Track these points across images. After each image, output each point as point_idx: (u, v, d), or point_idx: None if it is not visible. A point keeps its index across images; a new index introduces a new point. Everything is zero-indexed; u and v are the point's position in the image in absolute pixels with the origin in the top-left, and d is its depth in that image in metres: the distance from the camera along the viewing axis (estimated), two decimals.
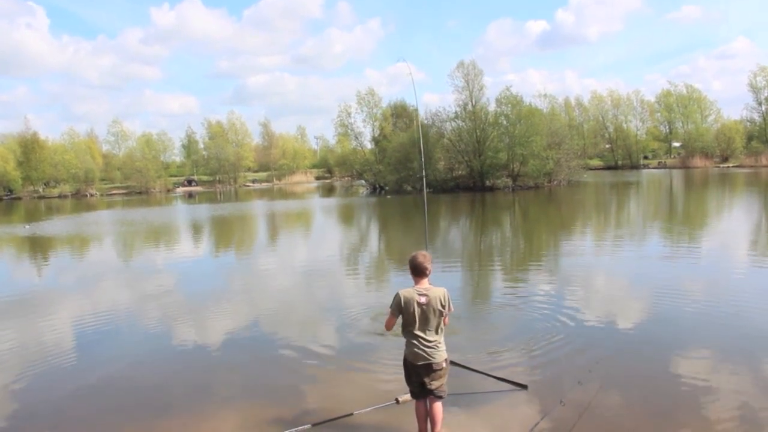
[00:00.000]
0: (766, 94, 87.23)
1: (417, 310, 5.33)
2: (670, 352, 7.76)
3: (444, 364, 5.42)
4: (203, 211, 46.31)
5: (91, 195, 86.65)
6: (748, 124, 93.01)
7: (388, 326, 5.62)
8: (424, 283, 5.47)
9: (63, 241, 27.56)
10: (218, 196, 72.01)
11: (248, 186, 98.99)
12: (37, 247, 25.61)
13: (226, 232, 30.02)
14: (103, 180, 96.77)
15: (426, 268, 5.47)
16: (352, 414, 6.08)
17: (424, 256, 5.51)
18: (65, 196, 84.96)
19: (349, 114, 68.66)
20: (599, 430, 5.72)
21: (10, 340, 10.05)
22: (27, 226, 35.80)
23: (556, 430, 5.67)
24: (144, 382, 7.69)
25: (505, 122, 53.46)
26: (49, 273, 18.76)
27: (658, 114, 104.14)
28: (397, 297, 5.45)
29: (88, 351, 9.31)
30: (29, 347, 9.67)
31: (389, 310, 5.54)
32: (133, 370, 8.21)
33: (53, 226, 35.58)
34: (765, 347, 7.88)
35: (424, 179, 9.92)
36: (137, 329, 10.56)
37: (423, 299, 5.34)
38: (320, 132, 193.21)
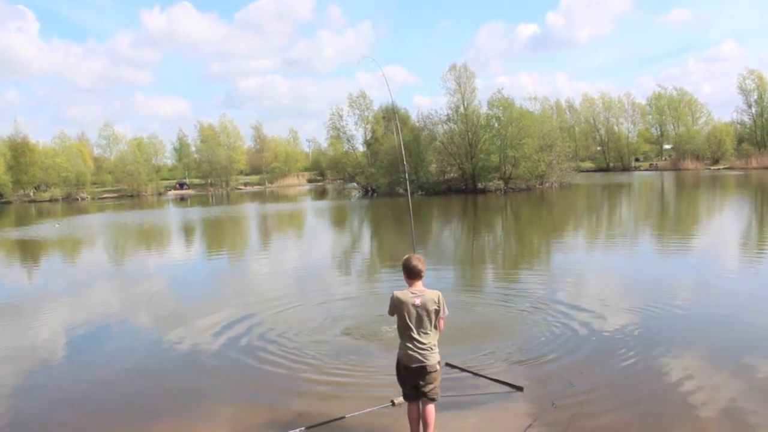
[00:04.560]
0: (755, 97, 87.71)
1: (412, 312, 5.35)
2: (661, 353, 7.79)
3: (437, 367, 5.43)
4: (195, 214, 46.18)
5: (82, 199, 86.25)
6: (739, 126, 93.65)
7: (391, 314, 5.64)
8: (418, 285, 5.49)
9: (54, 244, 27.41)
10: (210, 200, 71.85)
11: (240, 189, 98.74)
12: (33, 250, 25.49)
13: (218, 235, 29.94)
14: (94, 183, 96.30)
15: (420, 271, 5.48)
16: (344, 417, 6.08)
17: (418, 259, 5.52)
18: (56, 200, 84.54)
19: (340, 117, 68.64)
20: None
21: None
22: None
23: None
24: (134, 387, 7.64)
25: (496, 125, 53.65)
26: (39, 276, 18.67)
27: (649, 116, 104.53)
28: (392, 298, 5.48)
29: (79, 355, 9.28)
30: (18, 351, 9.62)
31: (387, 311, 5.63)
32: (123, 374, 8.14)
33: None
34: (755, 349, 7.93)
35: (407, 182, 9.90)
36: (128, 333, 10.53)
37: (417, 301, 5.36)
38: (312, 135, 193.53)
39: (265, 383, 7.47)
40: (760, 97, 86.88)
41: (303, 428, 5.92)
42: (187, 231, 32.36)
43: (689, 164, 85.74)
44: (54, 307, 13.14)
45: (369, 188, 61.42)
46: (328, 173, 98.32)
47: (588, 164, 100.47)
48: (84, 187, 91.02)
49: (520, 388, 6.63)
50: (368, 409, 6.20)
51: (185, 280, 16.47)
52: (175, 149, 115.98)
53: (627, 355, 7.79)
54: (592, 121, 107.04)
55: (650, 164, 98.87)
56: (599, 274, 14.24)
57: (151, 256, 22.21)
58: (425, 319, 5.36)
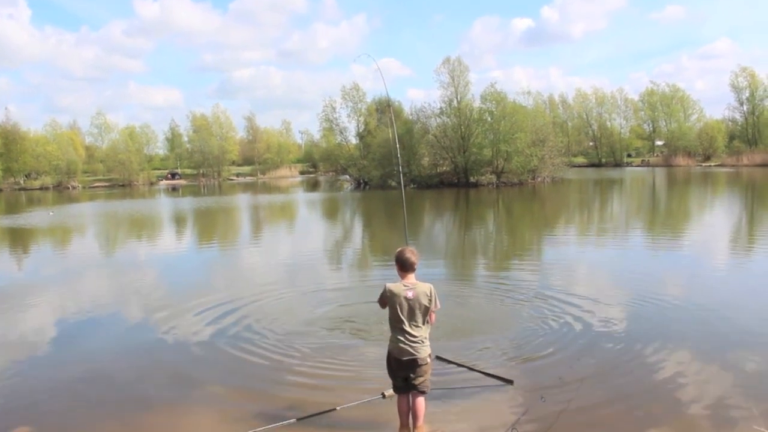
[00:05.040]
0: (747, 95, 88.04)
1: (404, 305, 5.36)
2: (650, 348, 7.83)
3: (428, 360, 5.45)
4: (187, 204, 46.01)
5: (74, 187, 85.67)
6: (730, 123, 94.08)
7: (383, 306, 5.64)
8: (411, 278, 5.50)
9: (44, 233, 27.25)
10: (202, 190, 71.59)
11: (232, 180, 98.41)
12: (24, 238, 25.34)
13: (209, 226, 29.85)
14: (85, 172, 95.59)
15: (413, 264, 5.49)
16: (334, 409, 6.09)
17: (412, 252, 5.53)
18: (46, 188, 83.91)
19: (334, 109, 68.40)
20: (579, 426, 5.78)
21: None
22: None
23: (537, 426, 5.71)
24: (124, 376, 7.62)
25: (489, 119, 53.68)
26: (29, 264, 18.57)
27: (642, 112, 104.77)
28: (384, 290, 5.48)
29: (68, 344, 9.25)
30: (7, 339, 9.58)
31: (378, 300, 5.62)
32: (114, 363, 8.12)
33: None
34: (743, 344, 8.00)
35: (401, 175, 9.91)
36: (117, 322, 10.47)
37: (410, 294, 5.36)
38: (305, 127, 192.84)
39: (256, 375, 7.45)
40: (752, 94, 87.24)
41: (294, 420, 5.93)
42: (179, 221, 32.26)
43: (681, 161, 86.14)
44: (44, 296, 13.07)
45: (361, 180, 61.38)
46: (320, 165, 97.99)
47: (580, 159, 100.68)
48: (75, 175, 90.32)
49: (510, 382, 6.66)
50: (359, 401, 6.22)
51: (176, 269, 16.42)
52: (167, 139, 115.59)
53: (618, 350, 7.84)
54: (584, 116, 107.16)
55: (642, 160, 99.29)
56: (591, 268, 14.30)
57: (142, 246, 22.11)
58: (417, 311, 5.37)
